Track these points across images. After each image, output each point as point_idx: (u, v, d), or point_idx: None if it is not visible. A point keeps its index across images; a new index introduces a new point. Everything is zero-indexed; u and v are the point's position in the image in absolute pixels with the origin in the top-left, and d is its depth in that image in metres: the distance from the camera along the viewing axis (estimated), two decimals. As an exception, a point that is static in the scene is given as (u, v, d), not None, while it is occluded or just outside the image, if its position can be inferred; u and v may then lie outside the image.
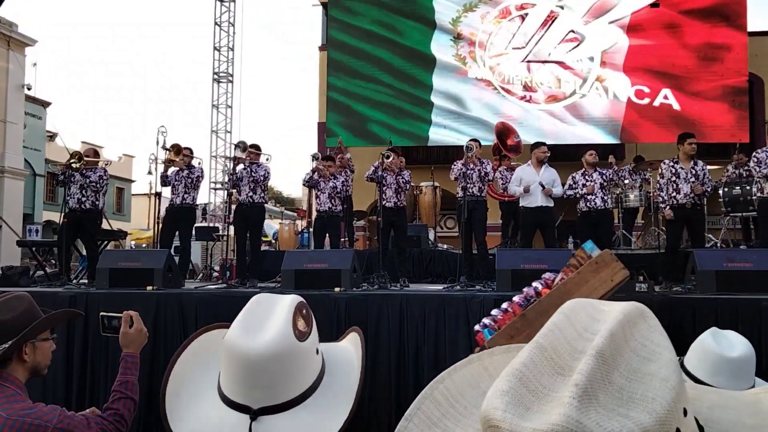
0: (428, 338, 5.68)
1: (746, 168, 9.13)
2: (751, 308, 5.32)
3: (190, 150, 8.78)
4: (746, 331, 5.09)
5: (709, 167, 7.65)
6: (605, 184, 8.12)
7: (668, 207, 7.42)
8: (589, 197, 8.08)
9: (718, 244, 9.60)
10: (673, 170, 7.42)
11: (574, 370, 0.64)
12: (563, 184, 8.42)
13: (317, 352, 1.51)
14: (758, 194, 7.79)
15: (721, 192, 9.44)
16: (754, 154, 7.73)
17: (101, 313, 2.46)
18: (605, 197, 8.09)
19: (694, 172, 7.37)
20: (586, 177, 8.12)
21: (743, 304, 5.39)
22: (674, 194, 7.37)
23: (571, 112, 14.15)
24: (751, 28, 14.23)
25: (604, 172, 8.16)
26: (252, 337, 1.41)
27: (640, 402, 0.63)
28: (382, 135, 14.16)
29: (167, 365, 1.95)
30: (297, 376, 1.41)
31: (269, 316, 1.47)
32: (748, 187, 8.85)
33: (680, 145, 7.56)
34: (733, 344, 2.16)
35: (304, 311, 1.50)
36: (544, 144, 8.60)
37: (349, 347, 1.74)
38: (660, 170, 7.69)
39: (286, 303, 1.51)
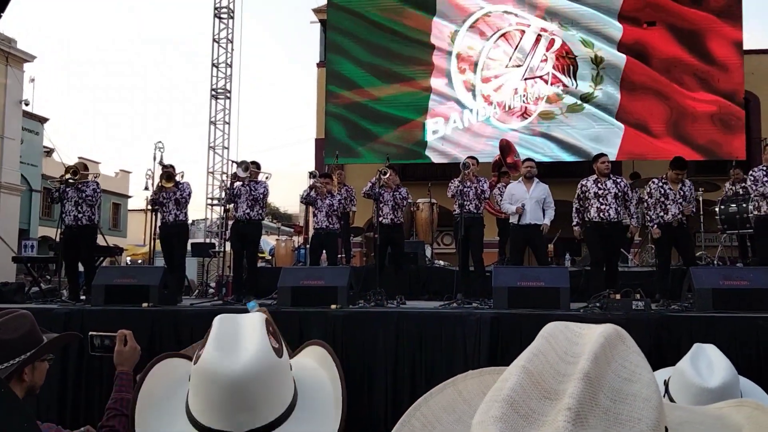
0: (424, 356, 5.66)
1: (743, 185, 9.16)
2: (748, 326, 5.33)
3: (173, 167, 8.68)
4: (743, 350, 5.12)
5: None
6: (619, 194, 7.55)
7: (656, 226, 7.46)
8: (603, 207, 7.47)
9: (715, 262, 9.61)
10: (662, 191, 7.47)
11: (561, 393, 0.66)
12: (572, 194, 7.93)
13: (291, 367, 1.47)
14: (755, 212, 7.81)
15: (717, 209, 9.48)
16: (750, 172, 7.76)
17: (90, 333, 2.46)
18: (618, 208, 7.50)
19: (682, 193, 7.47)
20: (599, 185, 7.58)
21: (740, 322, 5.39)
22: (662, 214, 7.42)
23: (567, 122, 14.16)
24: (747, 46, 14.31)
25: (618, 180, 7.73)
26: (231, 358, 1.33)
27: (627, 423, 0.65)
28: (379, 152, 14.16)
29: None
30: (279, 394, 1.36)
31: (241, 335, 1.41)
32: (744, 205, 8.88)
33: (668, 170, 7.64)
34: (714, 370, 2.09)
35: (271, 328, 1.46)
36: (529, 159, 8.63)
37: (306, 361, 1.66)
38: (648, 189, 7.69)
39: (255, 320, 1.45)
